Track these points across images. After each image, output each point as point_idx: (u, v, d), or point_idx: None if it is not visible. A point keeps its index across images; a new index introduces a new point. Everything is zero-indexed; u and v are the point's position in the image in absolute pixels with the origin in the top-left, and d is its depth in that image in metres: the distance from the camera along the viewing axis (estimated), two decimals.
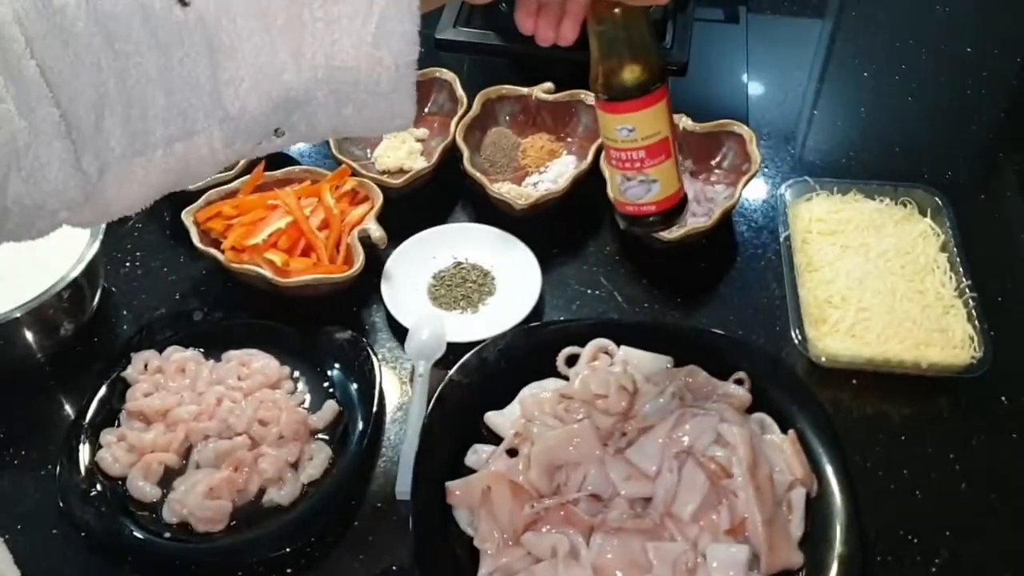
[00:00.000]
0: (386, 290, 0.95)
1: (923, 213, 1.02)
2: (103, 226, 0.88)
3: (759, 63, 1.25)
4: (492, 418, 0.86)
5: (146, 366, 0.88)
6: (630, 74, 0.75)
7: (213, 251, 0.93)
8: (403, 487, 0.81)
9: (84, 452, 0.83)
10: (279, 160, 1.05)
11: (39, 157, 0.50)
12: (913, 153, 1.13)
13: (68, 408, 0.88)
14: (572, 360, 0.89)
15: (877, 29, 1.32)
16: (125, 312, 0.96)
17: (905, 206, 1.02)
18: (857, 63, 1.24)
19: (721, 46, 1.29)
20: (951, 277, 0.95)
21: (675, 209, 0.81)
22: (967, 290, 0.93)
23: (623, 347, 0.89)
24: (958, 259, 0.96)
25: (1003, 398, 0.89)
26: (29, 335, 0.88)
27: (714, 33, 1.29)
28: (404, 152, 1.08)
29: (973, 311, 0.92)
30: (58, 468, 0.81)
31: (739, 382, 0.87)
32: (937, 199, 1.01)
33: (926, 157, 1.13)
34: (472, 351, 0.88)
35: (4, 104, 0.48)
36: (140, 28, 0.51)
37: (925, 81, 1.22)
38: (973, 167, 1.13)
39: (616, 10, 0.72)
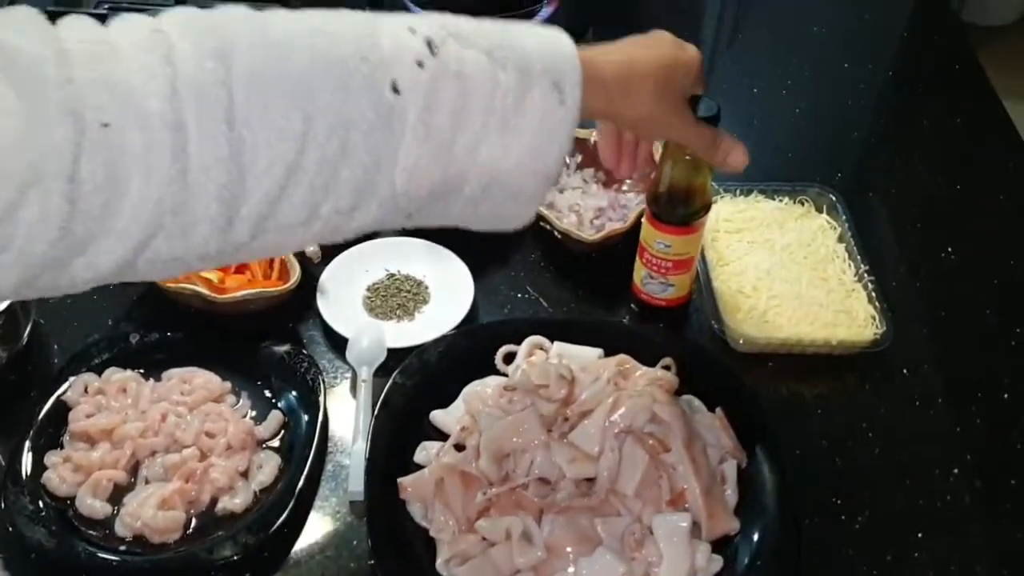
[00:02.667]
0: (322, 303, 0.98)
1: (819, 210, 1.10)
2: None
3: None
4: (438, 416, 0.89)
5: (86, 388, 0.88)
6: (682, 208, 0.91)
7: None
8: (355, 487, 0.83)
9: (28, 475, 0.82)
10: None
11: (191, 215, 0.51)
12: (804, 157, 1.22)
13: (5, 435, 0.87)
14: (509, 358, 0.93)
15: (762, 49, 1.42)
16: (58, 340, 0.96)
17: (802, 204, 1.11)
18: (747, 80, 1.34)
19: None
20: (850, 264, 1.03)
21: (682, 308, 1.01)
22: (865, 275, 1.01)
23: (556, 342, 0.93)
24: (855, 248, 1.04)
25: (904, 370, 0.97)
26: None
27: None
28: None
29: (872, 293, 1.00)
30: (3, 493, 0.80)
31: (666, 368, 0.92)
32: (831, 196, 1.10)
33: (816, 160, 1.22)
34: (413, 354, 0.91)
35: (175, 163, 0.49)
36: (355, 104, 0.53)
37: (809, 94, 1.32)
38: (859, 167, 1.23)
39: (688, 157, 0.86)
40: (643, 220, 0.95)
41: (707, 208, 0.92)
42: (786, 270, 1.02)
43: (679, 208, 0.91)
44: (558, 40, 0.61)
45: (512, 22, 0.62)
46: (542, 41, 0.60)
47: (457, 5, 1.22)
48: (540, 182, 0.61)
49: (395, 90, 0.54)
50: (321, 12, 0.56)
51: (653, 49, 0.67)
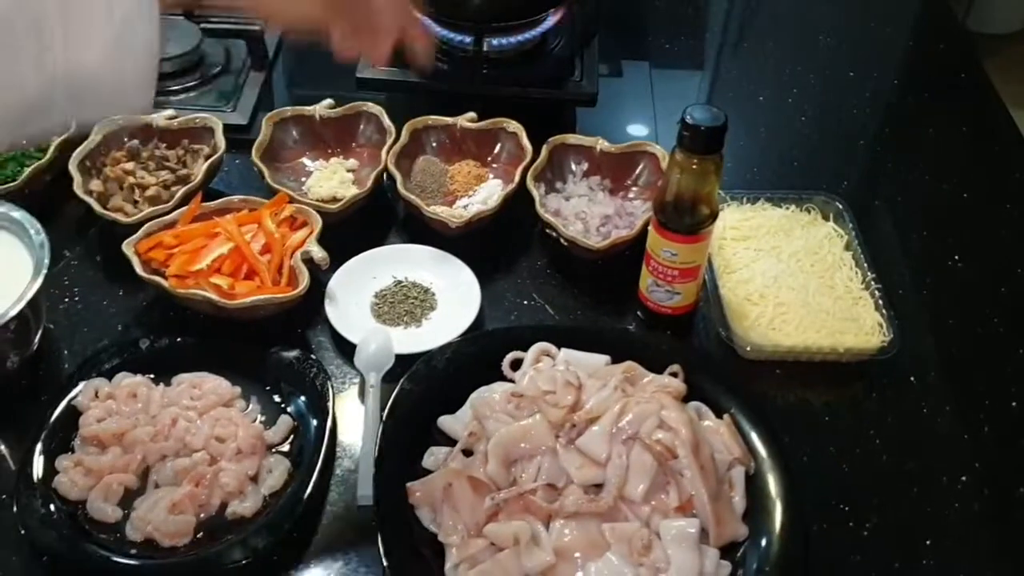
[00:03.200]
0: (330, 309, 0.98)
1: (825, 218, 1.10)
2: (46, 263, 0.89)
3: (664, 92, 1.33)
4: (445, 422, 0.89)
5: (96, 393, 0.89)
6: (688, 217, 0.91)
7: (157, 279, 0.94)
8: (364, 492, 0.83)
9: (40, 479, 0.82)
10: (214, 192, 1.07)
11: None
12: (811, 165, 1.22)
13: (17, 439, 0.88)
14: (516, 364, 0.93)
15: (768, 58, 1.42)
16: (67, 346, 0.97)
17: (809, 212, 1.11)
18: (753, 88, 1.34)
19: (628, 77, 1.37)
20: (857, 272, 1.04)
21: (688, 316, 1.00)
22: (872, 283, 1.02)
23: (563, 349, 0.94)
24: (861, 256, 1.04)
25: (911, 378, 0.97)
26: None
27: (620, 67, 1.38)
28: (336, 181, 1.11)
29: (879, 301, 1.00)
30: (15, 496, 0.81)
31: (674, 375, 0.92)
32: (838, 204, 1.10)
33: (822, 168, 1.22)
34: (420, 360, 0.92)
35: None
36: None
37: (815, 102, 1.33)
38: (865, 175, 1.23)
39: (695, 165, 0.87)
40: (649, 228, 0.95)
41: (714, 217, 0.92)
42: (793, 278, 1.03)
43: (686, 216, 0.91)
44: None
45: None
46: None
47: (462, 14, 1.24)
48: (137, 77, 0.63)
49: None
50: None
51: None
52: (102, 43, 0.59)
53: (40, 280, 0.88)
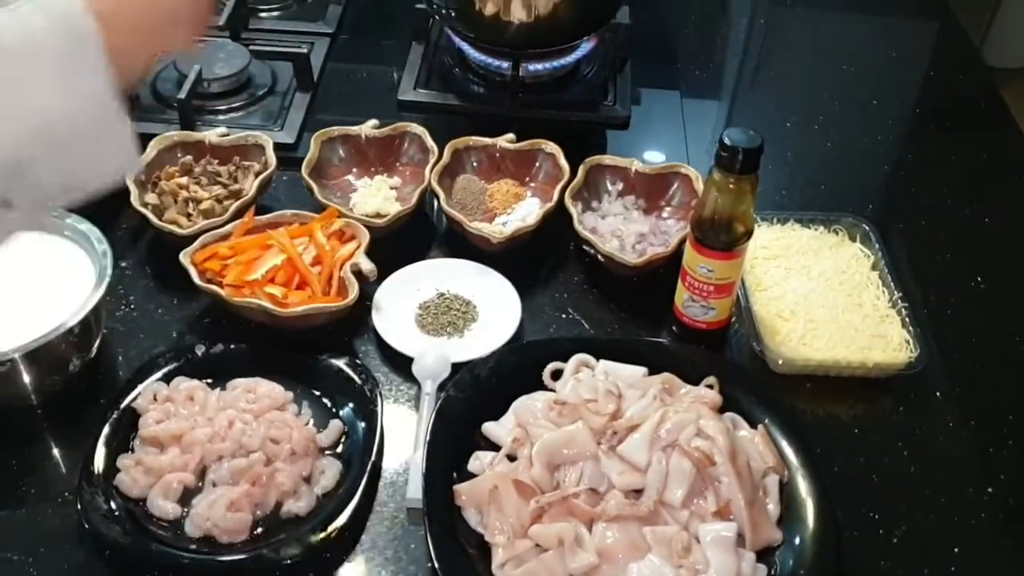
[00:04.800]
0: (377, 320, 1.02)
1: (852, 239, 1.14)
2: (109, 272, 0.93)
3: (694, 116, 1.38)
4: (489, 428, 0.92)
5: (155, 396, 0.92)
6: (725, 234, 0.95)
7: (214, 288, 0.98)
8: (414, 494, 0.87)
9: (101, 476, 0.86)
10: (262, 207, 1.11)
11: None
12: (837, 189, 1.26)
13: (77, 438, 0.91)
14: (556, 374, 0.97)
15: (793, 85, 1.46)
16: (124, 351, 1.00)
17: (836, 233, 1.15)
18: (780, 115, 1.38)
19: (659, 101, 1.41)
20: (883, 291, 1.07)
21: (722, 331, 1.04)
22: (899, 301, 1.05)
23: (602, 360, 0.97)
24: (888, 276, 1.08)
25: (937, 393, 1.01)
26: (43, 368, 0.92)
27: (650, 93, 1.42)
28: (380, 198, 1.15)
29: (906, 319, 1.03)
30: (78, 492, 0.85)
31: (709, 386, 0.95)
32: (864, 226, 1.13)
33: (848, 192, 1.26)
34: (464, 369, 0.95)
35: None
36: None
37: (840, 128, 1.37)
38: (889, 199, 1.27)
39: (732, 184, 0.91)
40: (686, 245, 0.99)
41: (749, 234, 0.96)
42: (822, 296, 1.06)
43: (722, 234, 0.95)
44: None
45: None
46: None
47: (502, 41, 1.28)
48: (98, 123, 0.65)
49: None
50: None
51: None
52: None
53: (103, 288, 0.92)
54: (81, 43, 0.63)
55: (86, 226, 0.97)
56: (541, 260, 1.13)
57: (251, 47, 1.33)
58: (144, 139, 1.15)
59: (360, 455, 0.90)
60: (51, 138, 0.63)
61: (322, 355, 0.97)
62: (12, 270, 0.95)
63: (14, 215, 0.63)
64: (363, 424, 0.92)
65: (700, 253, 0.97)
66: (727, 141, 0.90)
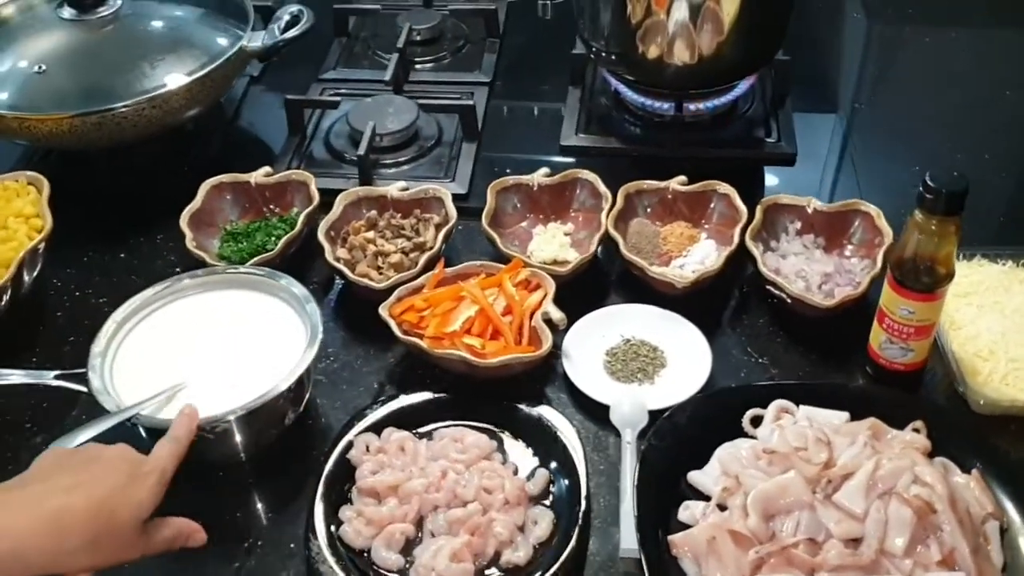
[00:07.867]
0: (569, 367, 1.04)
1: None
2: (320, 332, 0.97)
3: (863, 150, 1.36)
4: (695, 477, 0.93)
5: (368, 447, 0.95)
6: (928, 276, 0.93)
7: (415, 340, 1.01)
8: (628, 543, 0.88)
9: (325, 528, 0.89)
10: (445, 257, 1.14)
11: None
12: (1017, 221, 1.23)
13: (294, 491, 0.95)
14: (756, 421, 0.97)
15: (961, 117, 1.43)
16: (330, 403, 1.04)
17: None
18: (950, 147, 1.36)
19: (816, 135, 1.40)
20: None
21: (918, 373, 1.02)
22: None
23: (802, 406, 0.97)
24: None
25: None
26: (259, 426, 0.96)
27: (814, 123, 1.41)
28: (556, 245, 1.17)
29: None
30: (305, 544, 0.88)
31: (916, 431, 0.94)
32: None
33: None
34: (663, 417, 0.96)
35: None
36: None
37: (1010, 158, 1.34)
38: None
39: (934, 226, 0.90)
40: (885, 286, 0.98)
41: (951, 276, 0.94)
42: (1020, 334, 1.04)
43: (924, 276, 0.94)
44: None
45: None
46: None
47: (661, 83, 1.29)
48: None
49: None
50: None
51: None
52: None
53: (316, 347, 0.96)
54: None
55: (299, 289, 1.01)
56: (722, 303, 1.13)
57: (417, 100, 1.37)
58: (325, 194, 1.21)
59: (567, 503, 0.91)
60: None
61: (518, 403, 0.99)
62: (227, 327, 1.00)
63: None
64: (566, 472, 0.94)
65: (900, 295, 0.96)
66: (931, 183, 0.89)
